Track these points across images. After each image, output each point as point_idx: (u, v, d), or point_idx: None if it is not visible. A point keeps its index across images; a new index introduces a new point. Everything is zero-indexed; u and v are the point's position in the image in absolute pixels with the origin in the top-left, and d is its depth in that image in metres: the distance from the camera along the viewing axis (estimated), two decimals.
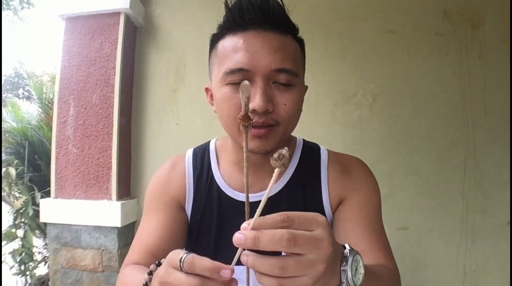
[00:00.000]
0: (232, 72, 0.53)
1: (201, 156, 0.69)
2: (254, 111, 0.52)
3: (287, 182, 0.65)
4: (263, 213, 0.32)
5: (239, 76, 0.53)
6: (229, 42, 0.55)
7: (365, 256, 0.50)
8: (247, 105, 0.36)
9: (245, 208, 0.38)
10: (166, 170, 0.69)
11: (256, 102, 0.51)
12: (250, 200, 0.60)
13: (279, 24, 0.56)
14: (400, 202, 1.60)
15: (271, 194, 0.61)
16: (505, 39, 1.58)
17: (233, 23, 0.56)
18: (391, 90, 1.63)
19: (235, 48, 0.54)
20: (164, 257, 0.54)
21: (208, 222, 0.65)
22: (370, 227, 0.59)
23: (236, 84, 0.53)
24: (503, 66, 1.57)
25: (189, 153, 0.70)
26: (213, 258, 0.64)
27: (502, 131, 1.57)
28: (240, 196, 0.63)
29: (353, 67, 1.64)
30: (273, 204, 0.60)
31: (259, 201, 0.59)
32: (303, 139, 0.72)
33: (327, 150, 0.69)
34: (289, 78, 0.54)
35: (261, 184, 0.63)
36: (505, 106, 1.57)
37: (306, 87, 0.62)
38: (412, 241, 1.60)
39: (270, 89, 0.54)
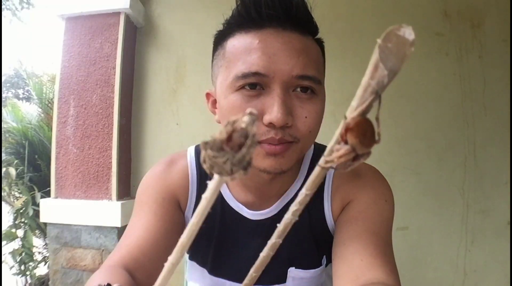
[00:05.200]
0: (245, 76, 0.45)
1: None
2: (270, 124, 0.44)
3: (294, 196, 0.57)
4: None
5: (253, 81, 0.45)
6: (241, 42, 0.47)
7: (361, 261, 0.45)
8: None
9: None
10: (164, 166, 0.61)
11: (274, 114, 0.43)
12: (255, 218, 0.58)
13: (302, 23, 0.48)
14: (400, 202, 1.59)
15: (278, 209, 0.57)
16: (505, 39, 1.58)
17: (247, 19, 0.47)
18: (391, 90, 1.62)
19: (249, 49, 0.46)
20: (157, 257, 0.50)
21: (209, 233, 0.59)
22: (372, 233, 0.51)
23: (249, 90, 0.46)
24: (503, 66, 1.57)
25: (191, 153, 0.62)
26: (210, 271, 0.62)
27: (502, 131, 1.57)
28: (244, 211, 0.58)
29: (353, 67, 1.64)
30: (279, 221, 0.57)
31: (265, 219, 0.58)
32: (314, 144, 0.61)
33: None
34: (312, 86, 0.47)
35: (266, 204, 0.57)
36: (505, 106, 1.57)
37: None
38: (412, 241, 1.60)
39: (290, 99, 0.46)
